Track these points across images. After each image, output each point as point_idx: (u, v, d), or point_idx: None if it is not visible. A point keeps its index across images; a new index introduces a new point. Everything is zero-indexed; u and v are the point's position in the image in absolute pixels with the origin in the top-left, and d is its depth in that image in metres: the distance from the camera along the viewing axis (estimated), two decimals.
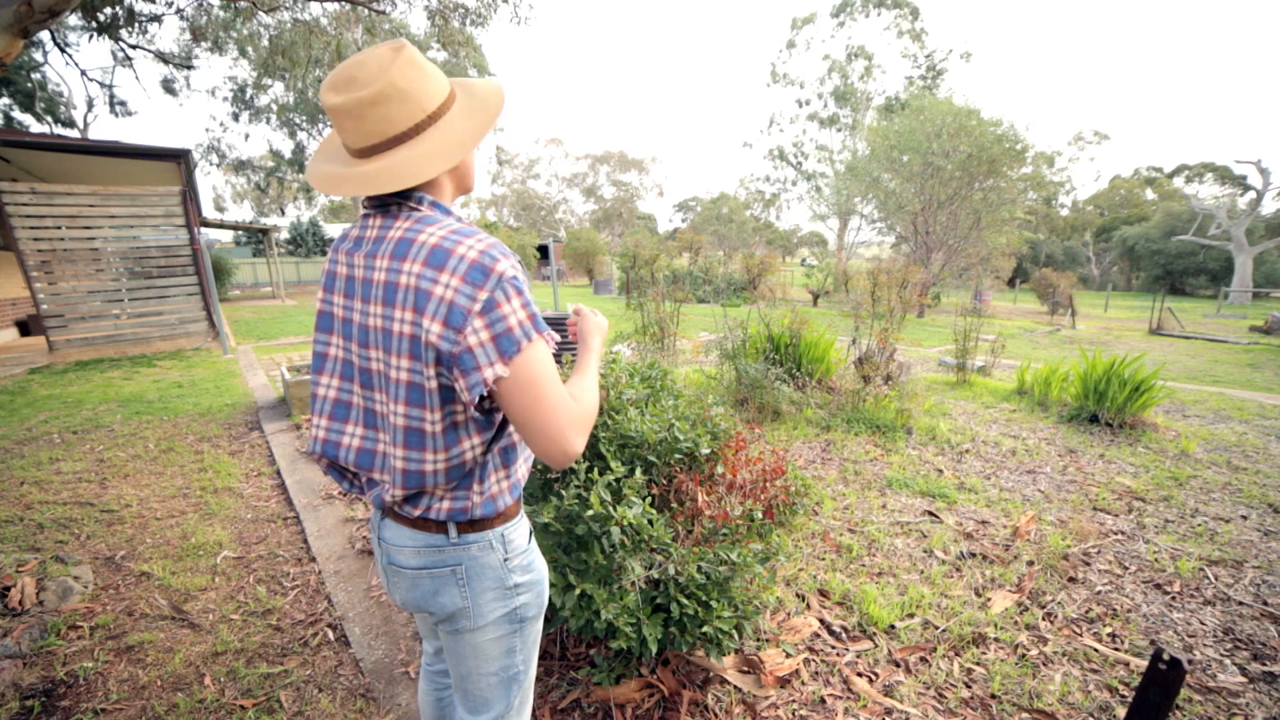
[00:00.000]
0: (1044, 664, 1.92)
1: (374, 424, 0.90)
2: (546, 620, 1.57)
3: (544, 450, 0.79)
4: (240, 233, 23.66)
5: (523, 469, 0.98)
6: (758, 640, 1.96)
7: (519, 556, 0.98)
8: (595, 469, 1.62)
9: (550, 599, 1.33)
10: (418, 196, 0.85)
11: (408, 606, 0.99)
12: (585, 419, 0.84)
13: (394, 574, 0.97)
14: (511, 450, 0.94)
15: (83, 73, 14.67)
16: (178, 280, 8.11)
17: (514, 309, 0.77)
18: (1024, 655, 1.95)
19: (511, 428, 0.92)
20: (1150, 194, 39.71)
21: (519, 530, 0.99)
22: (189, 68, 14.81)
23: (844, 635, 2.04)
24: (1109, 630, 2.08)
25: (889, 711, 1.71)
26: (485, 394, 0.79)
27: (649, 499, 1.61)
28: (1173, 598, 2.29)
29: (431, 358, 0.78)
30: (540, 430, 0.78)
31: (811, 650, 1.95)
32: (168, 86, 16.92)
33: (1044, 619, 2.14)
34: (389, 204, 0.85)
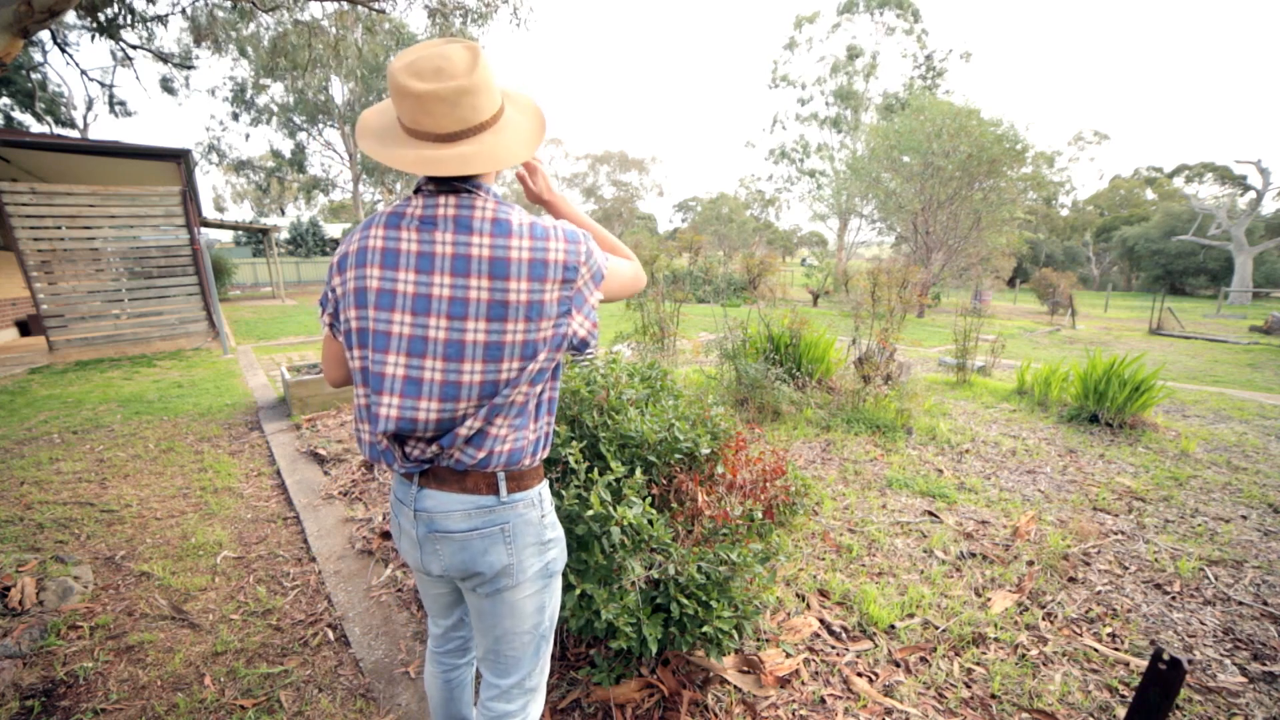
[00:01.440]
0: (1044, 664, 1.92)
1: (454, 395, 0.91)
2: None
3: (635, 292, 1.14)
4: (240, 233, 23.63)
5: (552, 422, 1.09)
6: (758, 640, 1.96)
7: (550, 513, 1.08)
8: (595, 469, 1.62)
9: None
10: (482, 184, 0.93)
11: (451, 572, 1.03)
12: (637, 268, 1.12)
13: (438, 541, 1.00)
14: (554, 401, 1.04)
15: (83, 73, 14.67)
16: (178, 280, 8.11)
17: (598, 253, 0.99)
18: (1024, 655, 1.95)
19: (555, 381, 1.04)
20: (1150, 194, 39.66)
21: (547, 489, 1.09)
22: (189, 68, 14.83)
23: (844, 635, 2.04)
24: (1109, 630, 2.08)
25: (889, 711, 1.71)
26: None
27: (649, 499, 1.61)
28: (1173, 598, 2.29)
29: (553, 311, 0.92)
30: (631, 292, 1.11)
31: (811, 650, 1.95)
32: (167, 86, 16.92)
33: (1044, 619, 2.14)
34: (457, 188, 0.91)
